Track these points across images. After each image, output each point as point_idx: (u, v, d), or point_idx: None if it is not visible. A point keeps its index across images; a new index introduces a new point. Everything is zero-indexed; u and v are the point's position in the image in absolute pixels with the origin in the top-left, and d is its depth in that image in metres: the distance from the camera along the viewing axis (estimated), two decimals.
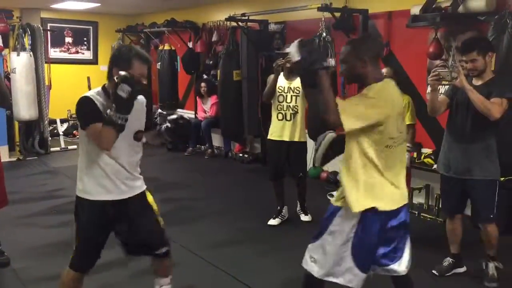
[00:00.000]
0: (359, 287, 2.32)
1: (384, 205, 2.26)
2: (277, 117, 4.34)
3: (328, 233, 2.33)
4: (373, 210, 2.24)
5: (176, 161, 7.31)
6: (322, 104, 2.20)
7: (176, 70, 8.21)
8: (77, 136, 9.00)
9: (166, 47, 8.17)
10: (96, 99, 2.39)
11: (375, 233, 2.27)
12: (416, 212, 4.74)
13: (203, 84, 7.57)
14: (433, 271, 3.48)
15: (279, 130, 4.34)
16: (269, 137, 4.48)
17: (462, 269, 3.50)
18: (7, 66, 7.30)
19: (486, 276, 3.33)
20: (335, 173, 5.85)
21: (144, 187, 2.60)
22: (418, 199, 5.03)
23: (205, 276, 3.33)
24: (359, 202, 2.24)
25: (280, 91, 4.32)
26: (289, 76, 4.30)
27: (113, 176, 2.44)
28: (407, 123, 3.87)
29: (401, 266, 2.40)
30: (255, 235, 4.22)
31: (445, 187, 3.42)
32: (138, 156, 2.57)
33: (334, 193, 5.42)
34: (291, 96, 4.29)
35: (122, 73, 2.30)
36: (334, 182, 5.76)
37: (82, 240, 2.51)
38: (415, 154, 4.71)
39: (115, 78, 2.31)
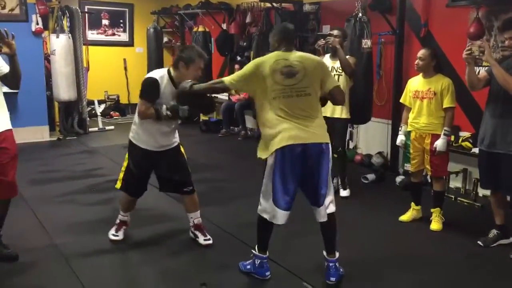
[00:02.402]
0: (281, 222, 2.89)
1: (280, 143, 2.78)
2: None
3: (264, 178, 2.92)
4: (278, 148, 2.79)
5: (210, 143, 7.39)
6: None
7: (210, 52, 8.21)
8: (114, 117, 9.25)
9: (200, 29, 8.17)
10: (161, 81, 3.25)
11: (284, 167, 2.81)
12: (453, 196, 4.65)
13: (237, 66, 7.56)
14: (478, 242, 3.58)
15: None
16: None
17: (507, 240, 3.56)
18: (47, 48, 7.49)
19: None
20: (369, 156, 5.80)
21: (178, 141, 3.52)
22: (455, 183, 4.93)
23: (237, 253, 3.38)
24: (261, 149, 2.93)
25: None
26: (334, 57, 4.51)
27: (155, 133, 3.34)
28: (446, 106, 3.80)
29: (321, 215, 2.92)
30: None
31: (479, 161, 3.60)
32: (177, 122, 3.43)
33: (368, 175, 5.46)
34: (334, 75, 4.44)
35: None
36: (368, 164, 5.71)
37: (131, 173, 3.46)
38: (453, 138, 4.61)
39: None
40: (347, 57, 4.50)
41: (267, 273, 3.08)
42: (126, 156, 3.51)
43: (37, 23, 6.89)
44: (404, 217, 4.11)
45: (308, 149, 2.83)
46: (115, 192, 4.88)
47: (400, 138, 4.10)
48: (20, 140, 6.37)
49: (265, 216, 2.94)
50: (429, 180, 4.46)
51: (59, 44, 7.02)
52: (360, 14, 5.10)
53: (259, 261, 3.08)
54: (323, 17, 6.37)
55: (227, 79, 2.96)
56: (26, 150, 6.30)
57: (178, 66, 3.26)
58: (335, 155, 4.62)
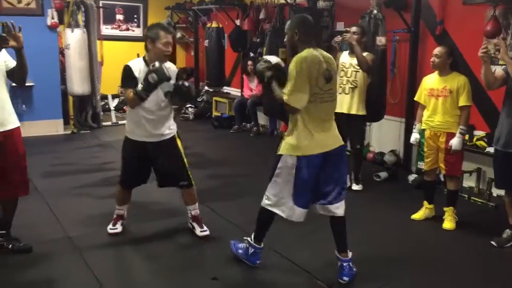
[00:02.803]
0: (299, 220, 2.92)
1: (311, 150, 2.78)
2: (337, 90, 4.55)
3: (276, 175, 2.91)
4: (304, 155, 2.78)
5: (222, 139, 7.40)
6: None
7: (223, 48, 8.24)
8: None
9: (214, 24, 8.19)
10: (135, 67, 3.29)
11: (309, 173, 2.80)
12: (466, 196, 4.61)
13: (250, 62, 7.55)
14: (492, 242, 3.55)
15: (338, 102, 4.51)
16: None
17: None
18: (61, 42, 7.55)
19: None
20: (382, 154, 5.77)
21: (174, 133, 3.47)
22: (469, 183, 4.88)
23: None
24: (287, 147, 2.84)
25: (342, 66, 4.63)
26: (352, 53, 4.59)
27: (145, 123, 3.33)
28: (462, 104, 3.76)
29: (339, 209, 2.93)
30: None
31: (494, 161, 3.58)
32: (167, 110, 3.40)
33: (381, 173, 5.43)
34: (351, 71, 4.60)
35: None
36: (380, 162, 5.68)
37: (123, 165, 3.55)
38: (467, 137, 4.56)
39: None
40: (365, 54, 4.50)
41: (258, 262, 3.17)
42: None
43: (53, 18, 6.93)
44: (417, 216, 4.08)
45: (330, 154, 2.86)
46: None
47: (415, 136, 4.07)
48: (35, 133, 6.52)
49: (276, 210, 2.96)
50: (442, 179, 4.42)
51: (73, 38, 7.07)
52: (375, 11, 5.07)
53: (253, 250, 3.16)
54: (337, 14, 6.33)
55: (293, 103, 2.72)
56: (41, 143, 6.37)
57: (147, 45, 3.29)
58: (348, 153, 4.64)
